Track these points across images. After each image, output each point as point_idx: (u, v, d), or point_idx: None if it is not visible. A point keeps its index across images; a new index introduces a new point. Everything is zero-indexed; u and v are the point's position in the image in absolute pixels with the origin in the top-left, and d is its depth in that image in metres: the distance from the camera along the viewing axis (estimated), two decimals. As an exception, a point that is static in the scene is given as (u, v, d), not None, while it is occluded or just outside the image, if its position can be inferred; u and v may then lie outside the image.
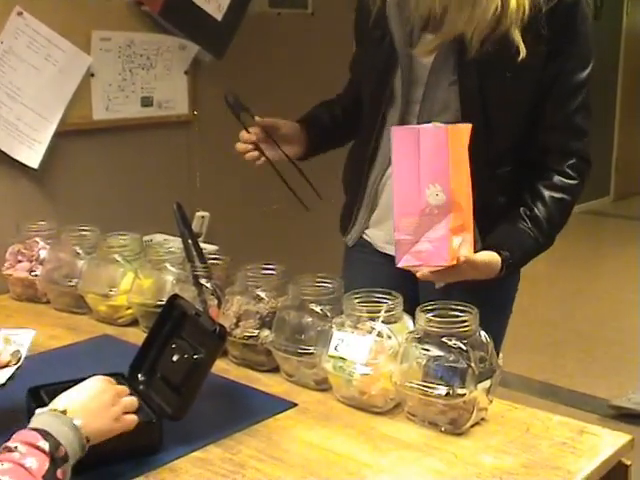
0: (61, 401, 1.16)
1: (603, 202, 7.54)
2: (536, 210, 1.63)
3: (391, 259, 1.56)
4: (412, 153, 1.47)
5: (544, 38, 1.55)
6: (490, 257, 1.55)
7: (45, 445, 1.05)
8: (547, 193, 1.65)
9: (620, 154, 7.85)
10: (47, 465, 1.03)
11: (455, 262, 1.48)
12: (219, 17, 2.71)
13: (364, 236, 1.88)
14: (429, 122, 1.60)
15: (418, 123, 1.67)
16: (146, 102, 2.66)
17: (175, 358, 1.40)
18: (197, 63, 2.78)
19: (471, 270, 1.52)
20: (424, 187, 1.46)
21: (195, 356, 1.35)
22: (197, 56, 2.76)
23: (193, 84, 2.79)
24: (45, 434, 1.07)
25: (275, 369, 1.61)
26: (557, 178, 1.66)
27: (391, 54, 1.69)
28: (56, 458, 1.05)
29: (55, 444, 1.06)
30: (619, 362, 4.10)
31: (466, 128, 1.48)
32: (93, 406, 1.18)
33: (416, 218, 1.48)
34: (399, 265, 1.51)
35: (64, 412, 1.13)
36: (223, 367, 1.61)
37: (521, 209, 1.64)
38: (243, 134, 1.90)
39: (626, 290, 5.16)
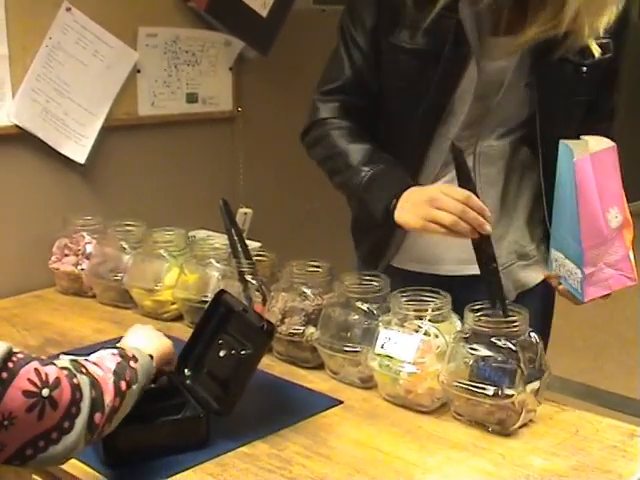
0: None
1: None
2: None
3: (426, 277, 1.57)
4: (591, 181, 1.41)
5: (608, 33, 1.53)
6: None
7: (113, 350, 1.22)
8: None
9: (629, 153, 7.72)
10: (119, 359, 1.19)
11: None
12: (264, 13, 2.72)
13: (397, 264, 1.79)
14: (495, 130, 1.61)
15: (483, 131, 1.63)
16: (191, 98, 2.67)
17: (222, 353, 1.40)
18: (242, 59, 2.79)
19: None
20: (606, 213, 1.42)
21: (242, 352, 1.35)
22: (242, 52, 2.76)
23: (237, 80, 2.79)
24: (109, 347, 1.24)
25: (320, 366, 1.61)
26: None
27: (457, 59, 1.55)
28: (125, 356, 1.21)
29: (121, 349, 1.23)
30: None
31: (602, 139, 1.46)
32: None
33: (601, 247, 1.43)
34: (587, 300, 1.47)
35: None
36: (268, 363, 1.60)
37: None
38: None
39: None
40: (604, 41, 1.54)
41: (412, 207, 1.49)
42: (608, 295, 1.47)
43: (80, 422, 1.05)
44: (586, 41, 1.49)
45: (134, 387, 1.18)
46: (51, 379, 1.02)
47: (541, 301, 1.71)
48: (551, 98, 1.59)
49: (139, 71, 2.49)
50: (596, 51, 1.53)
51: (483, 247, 1.44)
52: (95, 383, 1.09)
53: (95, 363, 1.15)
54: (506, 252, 1.70)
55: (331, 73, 1.71)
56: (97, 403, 1.08)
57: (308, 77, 3.00)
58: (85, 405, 1.06)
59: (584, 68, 1.56)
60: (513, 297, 1.69)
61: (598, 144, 1.44)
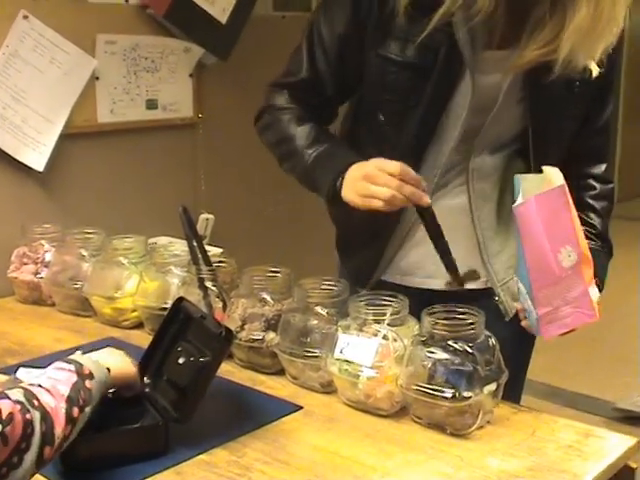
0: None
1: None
2: (598, 226, 1.64)
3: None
4: (537, 223, 1.39)
5: None
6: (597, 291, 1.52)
7: (70, 366, 1.20)
8: (598, 205, 1.66)
9: (623, 157, 7.84)
10: (75, 378, 1.18)
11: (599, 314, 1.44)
12: (224, 20, 2.72)
13: (388, 279, 1.75)
14: (489, 145, 1.61)
15: (477, 146, 1.62)
16: (151, 105, 2.66)
17: (181, 361, 1.40)
18: (202, 66, 2.79)
19: None
20: (556, 254, 1.40)
21: (201, 359, 1.35)
22: (202, 59, 2.76)
23: (198, 87, 2.79)
24: (67, 361, 1.22)
25: (280, 372, 1.62)
26: (599, 186, 1.68)
27: (450, 73, 1.53)
28: (81, 374, 1.19)
29: (78, 364, 1.21)
30: (624, 364, 4.10)
31: (559, 172, 1.43)
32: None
33: (554, 287, 1.41)
34: (546, 338, 1.47)
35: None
36: (228, 370, 1.61)
37: (584, 229, 1.62)
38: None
39: (631, 291, 5.16)
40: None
41: (351, 184, 1.50)
42: (571, 331, 1.46)
43: (29, 457, 1.04)
44: (582, 66, 1.47)
45: (87, 409, 1.17)
46: (4, 414, 1.00)
47: None
48: (543, 113, 1.58)
49: (98, 78, 2.48)
50: (594, 69, 1.51)
51: (427, 219, 1.47)
52: (46, 416, 1.08)
53: (48, 390, 1.13)
54: (504, 267, 1.70)
55: (290, 68, 1.70)
56: (47, 437, 1.07)
57: (269, 81, 3.02)
58: (35, 440, 1.05)
59: (576, 83, 1.54)
60: (513, 313, 1.68)
61: (552, 178, 1.42)
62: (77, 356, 1.27)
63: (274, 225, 3.11)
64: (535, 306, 1.44)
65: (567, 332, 1.46)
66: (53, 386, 1.15)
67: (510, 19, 1.49)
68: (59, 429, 1.10)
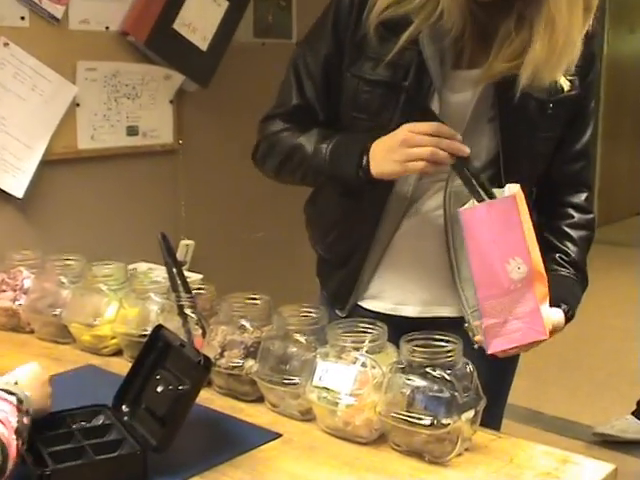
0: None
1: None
2: (572, 254, 1.64)
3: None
4: (484, 231, 1.40)
5: (576, 72, 1.55)
6: (559, 316, 1.54)
7: (14, 398, 1.20)
8: (575, 233, 1.67)
9: (602, 181, 7.91)
10: (16, 414, 1.18)
11: (549, 334, 1.44)
12: (204, 47, 2.74)
13: (363, 304, 1.76)
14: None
15: (451, 171, 1.59)
16: (131, 131, 2.68)
17: (159, 389, 1.40)
18: (182, 92, 2.81)
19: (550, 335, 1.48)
20: (504, 264, 1.39)
21: (179, 387, 1.35)
22: (182, 85, 2.78)
23: (178, 113, 2.81)
24: (8, 391, 1.22)
25: (260, 399, 1.61)
26: (577, 215, 1.68)
27: (420, 91, 1.55)
28: (22, 411, 1.20)
29: (19, 400, 1.21)
30: (603, 388, 4.11)
31: (519, 188, 1.44)
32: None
33: (502, 298, 1.40)
34: (490, 351, 1.45)
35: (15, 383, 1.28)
36: (207, 397, 1.60)
37: (557, 255, 1.64)
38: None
39: (610, 315, 5.19)
40: (570, 78, 1.54)
41: (386, 154, 1.50)
42: (518, 348, 1.46)
43: None
44: (547, 83, 1.49)
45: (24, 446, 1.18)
46: None
47: None
48: (513, 133, 1.59)
49: (78, 105, 2.49)
50: (565, 85, 1.54)
51: (465, 168, 1.47)
52: (4, 449, 1.08)
53: (1, 421, 1.13)
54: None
55: (279, 99, 1.71)
56: (2, 470, 1.08)
57: (249, 109, 3.03)
58: None
59: (550, 104, 1.56)
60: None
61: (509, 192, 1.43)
62: (11, 387, 1.26)
63: (255, 251, 3.11)
64: (482, 316, 1.43)
65: (514, 348, 1.45)
66: (5, 415, 1.15)
67: (478, 39, 1.52)
68: (11, 462, 1.10)
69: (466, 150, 1.45)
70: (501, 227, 1.39)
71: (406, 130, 1.47)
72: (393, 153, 1.48)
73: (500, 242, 1.39)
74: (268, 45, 3.11)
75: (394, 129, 1.54)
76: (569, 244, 1.65)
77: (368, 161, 1.52)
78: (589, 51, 1.54)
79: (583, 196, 1.70)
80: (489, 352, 1.46)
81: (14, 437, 1.12)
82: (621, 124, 8.09)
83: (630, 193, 8.23)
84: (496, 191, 1.46)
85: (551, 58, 1.43)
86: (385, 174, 1.51)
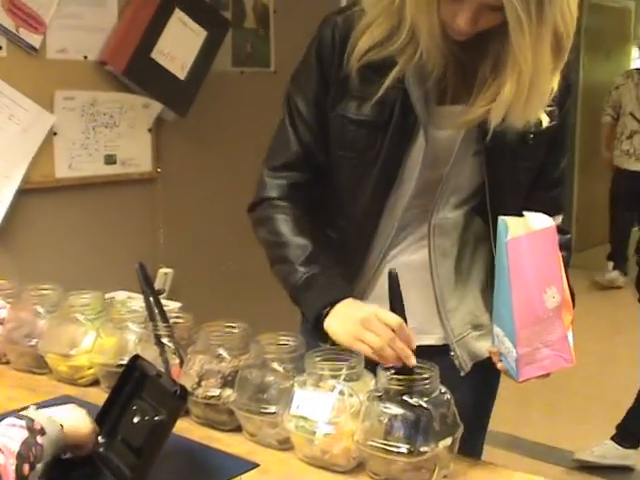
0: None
1: (569, 252, 7.61)
2: None
3: None
4: (527, 261, 1.41)
5: (553, 103, 1.56)
6: None
7: (21, 422, 1.20)
8: None
9: (580, 207, 7.97)
10: (26, 434, 1.18)
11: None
12: (182, 76, 2.76)
13: None
14: (449, 200, 1.62)
15: (437, 202, 1.62)
16: (109, 160, 2.68)
17: (136, 420, 1.39)
18: (161, 121, 2.81)
19: None
20: (542, 293, 1.40)
21: (156, 418, 1.34)
22: (161, 114, 2.79)
23: (157, 142, 2.81)
24: (18, 417, 1.22)
25: (237, 428, 1.60)
26: (558, 236, 1.69)
27: (405, 128, 1.55)
28: (32, 429, 1.20)
29: (29, 420, 1.21)
30: (583, 413, 4.12)
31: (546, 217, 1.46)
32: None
33: (536, 327, 1.41)
34: (521, 379, 1.45)
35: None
36: (185, 427, 1.59)
37: None
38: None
39: (589, 341, 5.21)
40: (549, 109, 1.55)
41: (344, 321, 1.49)
42: (546, 375, 1.47)
43: None
44: (520, 124, 1.49)
45: (39, 466, 1.16)
46: None
47: (492, 371, 1.63)
48: (498, 166, 1.60)
49: (56, 134, 2.49)
50: (545, 120, 1.55)
51: (406, 373, 1.43)
52: None
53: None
54: (461, 323, 1.71)
55: (278, 147, 1.68)
56: None
57: (228, 137, 3.05)
58: None
59: (530, 135, 1.57)
60: (468, 368, 1.70)
61: (537, 222, 1.44)
62: (29, 411, 1.26)
63: (234, 279, 3.11)
64: (516, 346, 1.43)
65: (542, 376, 1.46)
66: (4, 444, 1.14)
67: (461, 77, 1.53)
68: None
69: (413, 362, 1.43)
70: (542, 257, 1.41)
71: (372, 312, 1.46)
72: (351, 324, 1.48)
73: (540, 272, 1.41)
74: (247, 74, 3.12)
75: (381, 166, 1.57)
76: None
77: (328, 313, 1.52)
78: (565, 81, 1.55)
79: (560, 219, 1.71)
80: (520, 380, 1.46)
81: (13, 462, 1.11)
82: (598, 150, 8.15)
83: (606, 219, 8.29)
84: (518, 219, 1.46)
85: (519, 101, 1.43)
86: (334, 336, 1.51)
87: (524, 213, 1.46)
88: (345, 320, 1.50)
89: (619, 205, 6.58)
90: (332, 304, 1.53)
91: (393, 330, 1.43)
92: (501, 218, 1.46)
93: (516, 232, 1.42)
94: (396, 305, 1.46)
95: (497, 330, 1.51)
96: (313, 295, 1.57)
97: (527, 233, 1.42)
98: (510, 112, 1.46)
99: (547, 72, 1.43)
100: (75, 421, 1.34)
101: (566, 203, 1.76)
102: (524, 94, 1.42)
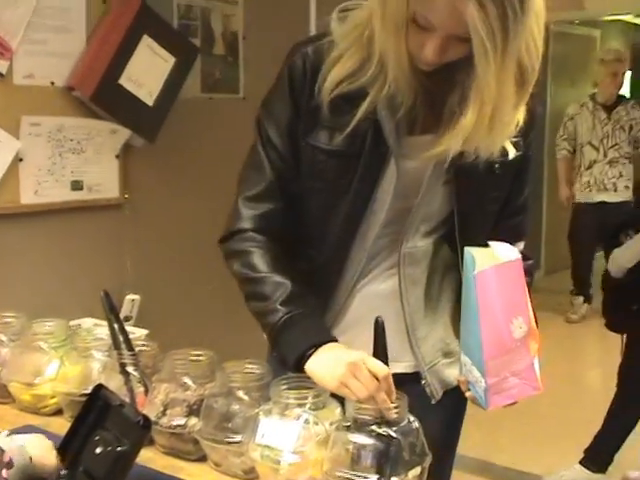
0: None
1: (534, 276, 7.66)
2: None
3: None
4: (494, 293, 1.42)
5: (519, 133, 1.57)
6: None
7: None
8: None
9: (548, 231, 8.04)
10: None
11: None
12: (150, 102, 2.75)
13: None
14: (419, 229, 1.62)
15: (407, 231, 1.62)
16: (76, 186, 2.66)
17: (98, 450, 1.36)
18: (129, 147, 2.80)
19: None
20: (509, 324, 1.41)
21: (118, 448, 1.32)
22: (129, 140, 2.78)
23: (124, 168, 2.80)
24: None
25: (203, 458, 1.58)
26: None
27: (377, 159, 1.56)
28: (0, 462, 1.20)
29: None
30: (554, 437, 4.13)
31: (512, 248, 1.47)
32: None
33: (504, 357, 1.42)
34: (490, 408, 1.46)
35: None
36: (149, 456, 1.57)
37: None
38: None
39: (560, 363, 5.23)
40: (515, 140, 1.56)
41: (331, 365, 1.45)
42: (513, 403, 1.48)
43: None
44: (485, 155, 1.50)
45: None
46: None
47: (461, 399, 1.63)
48: (466, 196, 1.61)
49: (21, 159, 2.47)
50: (511, 151, 1.56)
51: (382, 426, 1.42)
52: None
53: None
54: (432, 350, 1.71)
55: (252, 175, 1.65)
56: None
57: (196, 163, 3.04)
58: None
59: (496, 165, 1.58)
60: (439, 395, 1.70)
61: (503, 252, 1.45)
62: (1, 437, 1.24)
63: (203, 305, 3.10)
64: (484, 376, 1.44)
65: (510, 404, 1.47)
66: None
67: (429, 108, 1.54)
68: None
69: (392, 416, 1.40)
70: (509, 288, 1.42)
71: (360, 358, 1.43)
72: (338, 368, 1.44)
73: (507, 303, 1.42)
74: (215, 100, 3.12)
75: (352, 197, 1.57)
76: None
77: (311, 355, 1.48)
78: (530, 112, 1.56)
79: (522, 244, 1.73)
80: (489, 409, 1.47)
81: None
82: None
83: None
84: (484, 249, 1.47)
85: (479, 130, 1.44)
86: (317, 379, 1.47)
87: (489, 243, 1.47)
88: (331, 364, 1.46)
89: (581, 240, 6.29)
90: (316, 346, 1.49)
91: (378, 379, 1.40)
92: (467, 249, 1.47)
93: (483, 264, 1.43)
94: (380, 352, 1.44)
95: (465, 359, 1.51)
96: (295, 336, 1.53)
97: (495, 265, 1.42)
98: (472, 142, 1.46)
99: (510, 103, 1.44)
100: (43, 452, 1.32)
101: (530, 229, 1.76)
102: (485, 124, 1.42)
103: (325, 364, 1.47)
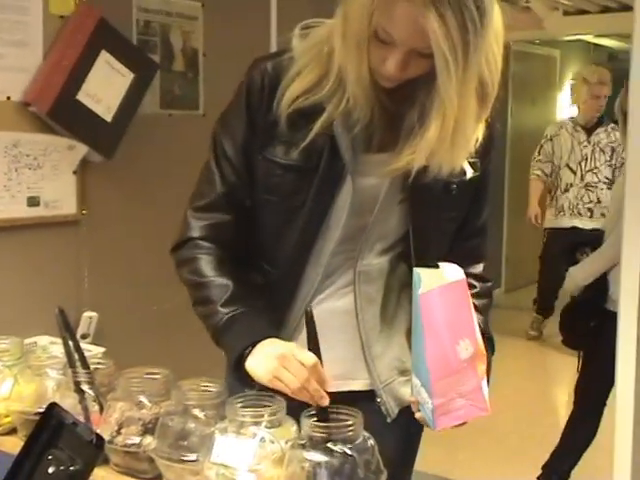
0: None
1: (495, 294, 7.69)
2: (480, 323, 1.63)
3: None
4: (439, 314, 1.43)
5: (476, 154, 1.59)
6: None
7: None
8: (478, 302, 1.69)
9: (509, 250, 8.12)
10: None
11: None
12: (109, 118, 2.74)
13: None
14: (374, 247, 1.63)
15: (362, 248, 1.63)
16: (33, 202, 2.64)
17: (51, 470, 1.35)
18: (86, 163, 2.78)
19: None
20: (455, 345, 1.42)
21: (71, 467, 1.30)
22: (86, 156, 2.76)
23: (82, 184, 2.78)
24: None
25: (159, 477, 1.57)
26: (479, 285, 1.72)
27: (333, 175, 1.57)
28: None
29: None
30: (513, 452, 4.16)
31: (458, 269, 1.48)
32: None
33: (450, 378, 1.43)
34: (438, 429, 1.47)
35: None
36: (104, 476, 1.55)
37: None
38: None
39: (518, 379, 5.27)
40: (472, 160, 1.58)
41: (263, 359, 1.50)
42: (462, 424, 1.49)
43: None
44: (447, 173, 1.52)
45: None
46: None
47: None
48: (422, 215, 1.62)
49: (-24, 175, 2.45)
50: (468, 171, 1.58)
51: (321, 414, 1.43)
52: None
53: None
54: (387, 368, 1.71)
55: (203, 187, 1.67)
56: None
57: (155, 179, 3.03)
58: None
59: (454, 186, 1.59)
60: (395, 414, 1.70)
61: (450, 273, 1.46)
62: None
63: (161, 322, 3.07)
64: (431, 397, 1.45)
65: (459, 425, 1.48)
66: None
67: (387, 126, 1.55)
68: None
69: (326, 402, 1.43)
70: (454, 310, 1.44)
71: (289, 350, 1.48)
72: (269, 361, 1.48)
73: (452, 324, 1.43)
74: (175, 116, 3.12)
75: (307, 213, 1.57)
76: (476, 314, 1.68)
77: (249, 354, 1.52)
78: (489, 133, 1.58)
79: (481, 267, 1.75)
80: (436, 429, 1.48)
81: None
82: (526, 193, 8.31)
83: (536, 260, 8.44)
84: (433, 270, 1.48)
85: (442, 145, 1.46)
86: (253, 375, 1.51)
87: (439, 264, 1.48)
88: (264, 358, 1.49)
89: (550, 263, 6.05)
90: (253, 344, 1.52)
91: (309, 370, 1.43)
92: (415, 270, 1.49)
93: (429, 285, 1.44)
94: (311, 342, 1.46)
95: (415, 380, 1.52)
96: (234, 336, 1.56)
97: (439, 286, 1.44)
98: (435, 157, 1.48)
99: (472, 117, 1.46)
100: None
101: (487, 250, 1.77)
102: (448, 138, 1.44)
103: (258, 359, 1.50)
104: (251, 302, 1.61)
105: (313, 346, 1.46)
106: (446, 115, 1.42)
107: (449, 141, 1.45)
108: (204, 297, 1.62)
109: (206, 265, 1.63)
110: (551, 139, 5.93)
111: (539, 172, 6.04)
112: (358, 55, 1.42)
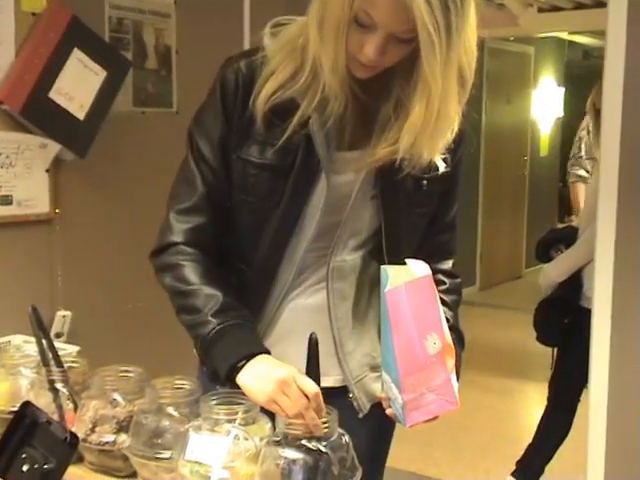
0: None
1: (470, 291, 7.78)
2: (450, 319, 1.66)
3: None
4: (406, 310, 1.43)
5: (447, 150, 1.59)
6: None
7: None
8: (448, 298, 1.71)
9: (483, 248, 8.16)
10: None
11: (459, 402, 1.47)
12: (81, 116, 2.72)
13: None
14: (347, 243, 1.63)
15: (336, 245, 1.63)
16: (5, 201, 2.62)
17: (25, 468, 1.35)
18: (59, 161, 2.77)
19: None
20: (423, 340, 1.43)
21: (45, 466, 1.31)
22: (59, 155, 2.74)
23: (55, 182, 2.77)
24: None
25: (133, 475, 1.57)
26: (448, 281, 1.74)
27: (308, 173, 1.57)
28: None
29: None
30: (486, 449, 4.19)
31: (425, 265, 1.48)
32: None
33: (419, 374, 1.44)
34: (409, 425, 1.47)
35: None
36: (78, 474, 1.55)
37: None
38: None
39: (492, 377, 5.30)
40: (443, 156, 1.59)
41: (261, 380, 1.45)
42: (434, 419, 1.49)
43: None
44: (425, 163, 1.53)
45: None
46: None
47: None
48: (394, 211, 1.63)
49: (-52, 175, 2.43)
50: (440, 166, 1.58)
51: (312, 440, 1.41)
52: None
53: None
54: (359, 364, 1.72)
55: (183, 189, 1.64)
56: None
57: (129, 177, 3.02)
58: None
59: (424, 181, 1.60)
60: (367, 409, 1.71)
61: (416, 269, 1.47)
62: None
63: (135, 321, 3.07)
64: (401, 392, 1.46)
65: (430, 420, 1.49)
66: None
67: (359, 121, 1.56)
68: None
69: (321, 433, 1.40)
70: (420, 305, 1.44)
71: (291, 376, 1.44)
72: (268, 384, 1.44)
73: (419, 319, 1.43)
74: (148, 114, 3.11)
75: (282, 212, 1.58)
76: (446, 309, 1.69)
77: (242, 367, 1.48)
78: (459, 130, 1.58)
79: (450, 263, 1.76)
80: (408, 425, 1.48)
81: None
82: (500, 191, 8.38)
83: (510, 257, 8.51)
84: (400, 267, 1.49)
85: (427, 127, 1.46)
86: (248, 393, 1.47)
87: (406, 260, 1.49)
88: (262, 378, 1.45)
89: None
90: (247, 358, 1.49)
91: (308, 398, 1.40)
92: (383, 267, 1.50)
93: (395, 282, 1.45)
94: (312, 369, 1.45)
95: (385, 377, 1.53)
96: (227, 347, 1.52)
97: (405, 283, 1.44)
98: (416, 144, 1.48)
99: (455, 100, 1.47)
100: None
101: (456, 247, 1.79)
102: (432, 121, 1.45)
103: (256, 378, 1.46)
104: (240, 312, 1.58)
105: (314, 372, 1.44)
106: (431, 95, 1.42)
107: (433, 124, 1.45)
108: (190, 306, 1.58)
109: (191, 272, 1.60)
110: (589, 132, 4.69)
111: (582, 172, 4.89)
112: (335, 42, 1.42)
